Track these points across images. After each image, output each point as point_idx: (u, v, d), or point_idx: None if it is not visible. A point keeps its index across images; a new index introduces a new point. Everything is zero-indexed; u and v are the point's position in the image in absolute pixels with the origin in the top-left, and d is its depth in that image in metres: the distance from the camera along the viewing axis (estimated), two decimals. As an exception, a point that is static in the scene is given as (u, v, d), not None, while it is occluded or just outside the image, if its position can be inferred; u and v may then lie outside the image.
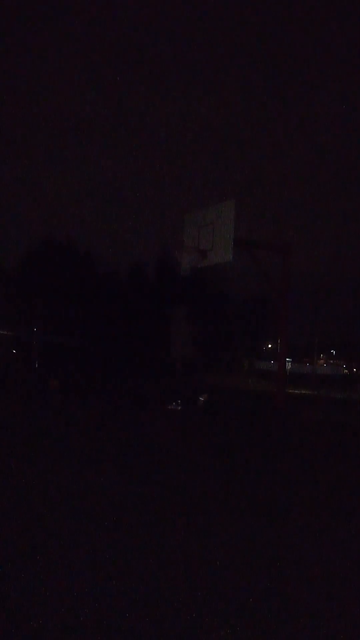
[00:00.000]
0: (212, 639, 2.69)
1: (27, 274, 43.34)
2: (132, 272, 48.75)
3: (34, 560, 3.45)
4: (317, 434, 11.83)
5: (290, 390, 27.52)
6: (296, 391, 31.23)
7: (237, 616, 2.90)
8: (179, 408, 13.19)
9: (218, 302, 48.80)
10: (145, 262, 49.83)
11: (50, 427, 9.72)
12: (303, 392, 31.87)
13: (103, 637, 2.62)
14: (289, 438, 10.70)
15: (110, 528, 4.20)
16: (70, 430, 9.41)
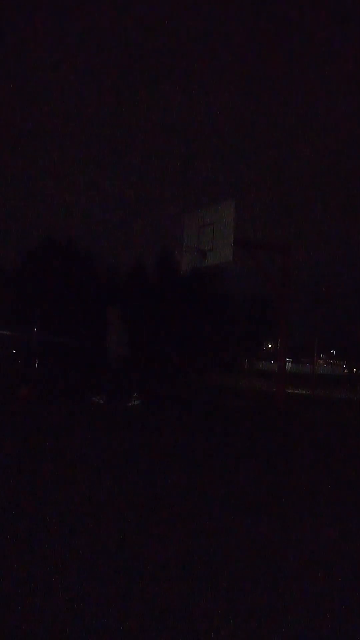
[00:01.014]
0: (212, 639, 2.68)
1: (27, 274, 43.33)
2: (132, 272, 48.74)
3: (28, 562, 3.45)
4: (317, 434, 11.83)
5: (290, 390, 27.53)
6: (296, 391, 31.24)
7: (237, 616, 2.90)
8: (102, 402, 13.12)
9: (218, 302, 48.79)
10: (145, 262, 49.81)
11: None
12: (303, 392, 31.87)
13: (102, 638, 2.61)
14: (289, 438, 10.69)
15: (110, 527, 4.20)
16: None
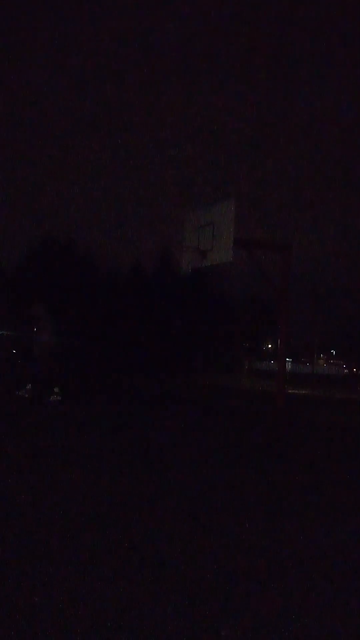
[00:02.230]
0: (212, 639, 2.68)
1: (27, 274, 43.36)
2: (132, 272, 48.76)
3: (30, 562, 3.45)
4: (317, 434, 11.83)
5: (290, 390, 27.54)
6: (296, 391, 31.26)
7: (237, 616, 2.90)
8: (26, 396, 13.21)
9: (218, 302, 48.83)
10: (145, 262, 49.86)
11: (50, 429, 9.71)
12: (303, 392, 31.90)
13: (102, 638, 2.62)
14: (289, 438, 10.69)
15: (110, 527, 4.20)
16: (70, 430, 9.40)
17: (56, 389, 13.32)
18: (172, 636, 2.67)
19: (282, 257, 16.11)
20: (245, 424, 12.72)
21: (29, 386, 13.43)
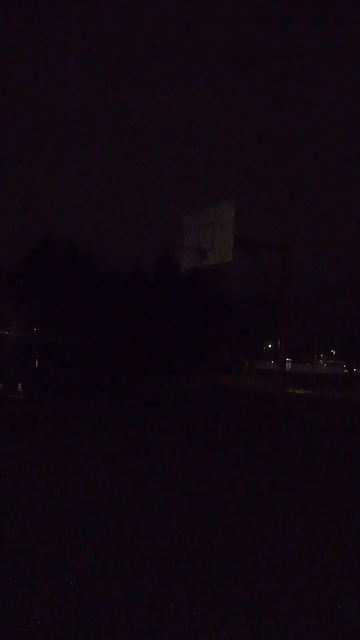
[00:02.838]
0: (212, 639, 2.68)
1: (27, 274, 43.32)
2: (132, 272, 48.72)
3: (32, 563, 3.45)
4: (317, 434, 11.83)
5: (290, 390, 27.53)
6: (296, 391, 31.28)
7: (237, 616, 2.90)
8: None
9: (218, 302, 48.75)
10: (145, 262, 49.81)
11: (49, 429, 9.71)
12: (303, 392, 31.90)
13: (103, 637, 2.62)
14: (289, 438, 10.69)
15: (112, 527, 4.20)
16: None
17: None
18: (173, 636, 2.67)
19: (282, 257, 16.10)
20: (245, 423, 12.72)
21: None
